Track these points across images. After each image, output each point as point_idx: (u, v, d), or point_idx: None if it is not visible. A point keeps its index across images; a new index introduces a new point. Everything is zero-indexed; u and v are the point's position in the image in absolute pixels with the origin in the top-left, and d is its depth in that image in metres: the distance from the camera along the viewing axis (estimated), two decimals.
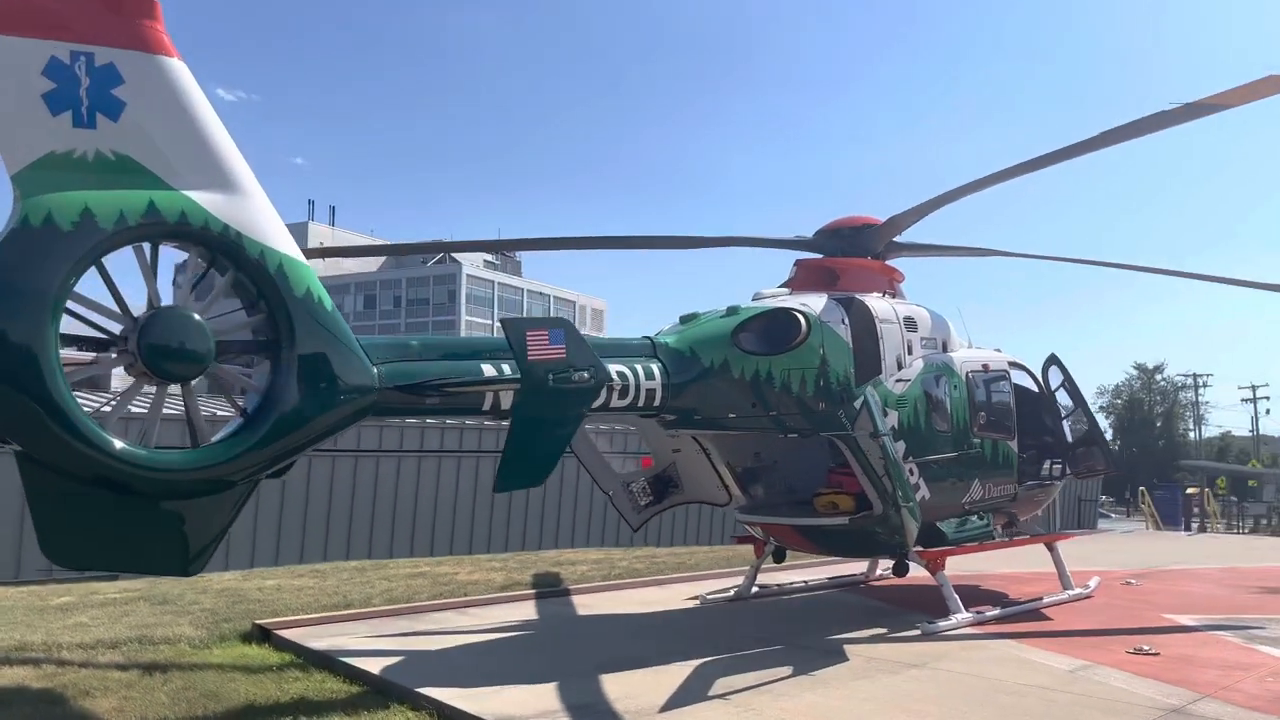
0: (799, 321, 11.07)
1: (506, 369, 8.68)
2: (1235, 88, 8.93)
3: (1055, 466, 14.10)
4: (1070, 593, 13.33)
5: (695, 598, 13.62)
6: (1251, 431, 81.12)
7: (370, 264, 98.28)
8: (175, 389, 7.35)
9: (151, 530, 7.12)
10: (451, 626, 11.74)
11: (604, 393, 9.59)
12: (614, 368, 9.72)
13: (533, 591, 14.14)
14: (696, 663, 9.47)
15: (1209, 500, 34.37)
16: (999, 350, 13.89)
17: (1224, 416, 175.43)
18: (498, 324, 10.03)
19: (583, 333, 9.14)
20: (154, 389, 7.28)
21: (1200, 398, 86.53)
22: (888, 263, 12.97)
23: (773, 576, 14.78)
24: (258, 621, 11.56)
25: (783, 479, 12.99)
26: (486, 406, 8.69)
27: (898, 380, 11.72)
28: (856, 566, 15.44)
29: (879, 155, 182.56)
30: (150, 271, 7.03)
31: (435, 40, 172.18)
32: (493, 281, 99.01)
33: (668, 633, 11.46)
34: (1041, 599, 12.91)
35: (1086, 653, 9.93)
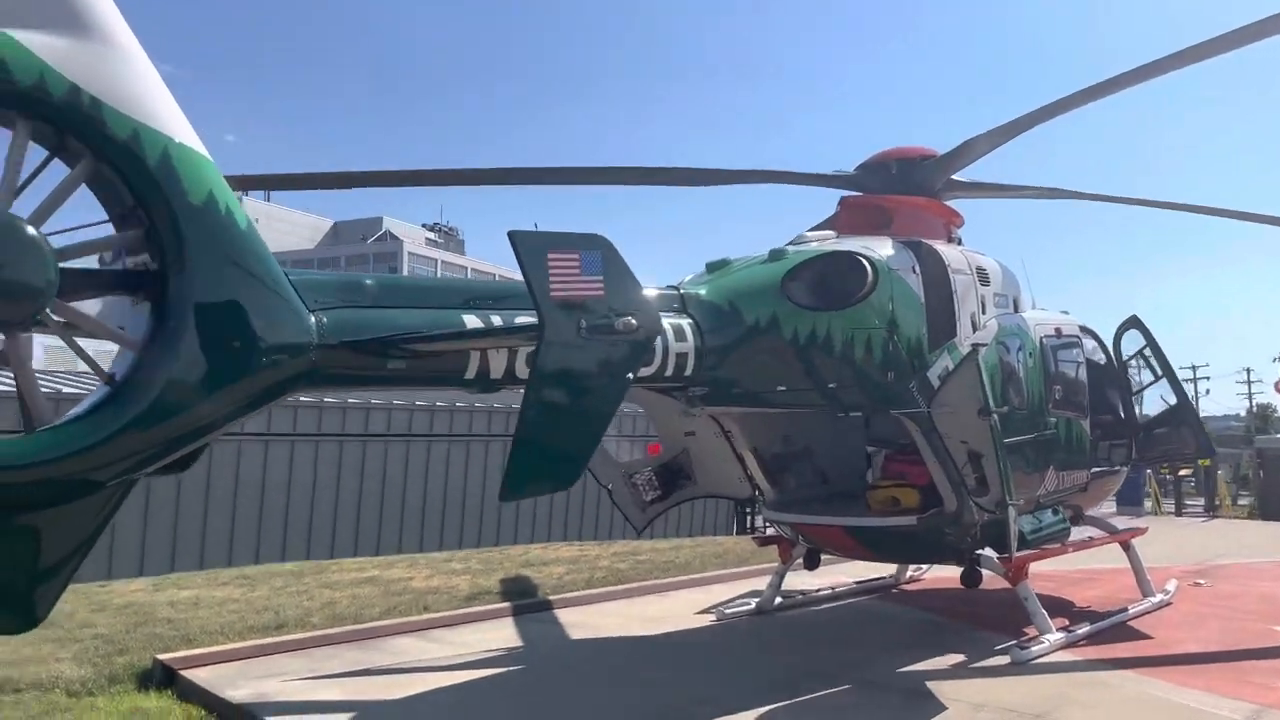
0: (864, 268, 8.71)
1: (497, 320, 6.19)
2: None
3: (1124, 450, 11.98)
4: (1153, 600, 11.26)
5: (709, 610, 11.25)
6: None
7: (306, 239, 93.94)
8: None
9: None
10: (413, 659, 9.23)
11: None
12: None
13: (506, 605, 11.64)
14: (752, 717, 7.11)
15: (1221, 486, 32.96)
16: (1066, 312, 11.71)
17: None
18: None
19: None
20: None
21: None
22: (946, 203, 10.66)
23: (789, 581, 12.42)
24: (160, 656, 8.93)
25: (818, 467, 10.68)
26: (470, 374, 6.15)
27: (973, 345, 9.42)
28: (880, 567, 13.17)
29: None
30: None
31: (370, 13, 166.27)
32: (435, 260, 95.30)
33: (693, 665, 9.08)
34: (1126, 609, 10.80)
35: (1237, 688, 7.81)
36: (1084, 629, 9.79)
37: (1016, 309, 10.67)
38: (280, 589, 12.94)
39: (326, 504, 21.80)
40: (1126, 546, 11.48)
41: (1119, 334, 11.82)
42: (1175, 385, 11.61)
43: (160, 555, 19.45)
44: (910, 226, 9.95)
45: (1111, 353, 11.92)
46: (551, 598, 12.16)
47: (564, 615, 11.35)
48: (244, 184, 9.16)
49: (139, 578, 15.23)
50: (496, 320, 6.19)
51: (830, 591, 12.23)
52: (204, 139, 5.12)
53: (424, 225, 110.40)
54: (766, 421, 9.94)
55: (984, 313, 9.93)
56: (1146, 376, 11.88)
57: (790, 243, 9.33)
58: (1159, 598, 11.37)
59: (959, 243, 10.49)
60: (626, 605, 12.05)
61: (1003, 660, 8.87)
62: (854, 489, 10.40)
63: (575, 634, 10.33)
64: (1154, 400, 11.83)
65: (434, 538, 23.47)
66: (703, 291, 8.34)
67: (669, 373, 7.68)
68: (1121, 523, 12.98)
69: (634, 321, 5.97)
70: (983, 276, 10.07)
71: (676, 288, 8.24)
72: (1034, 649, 8.94)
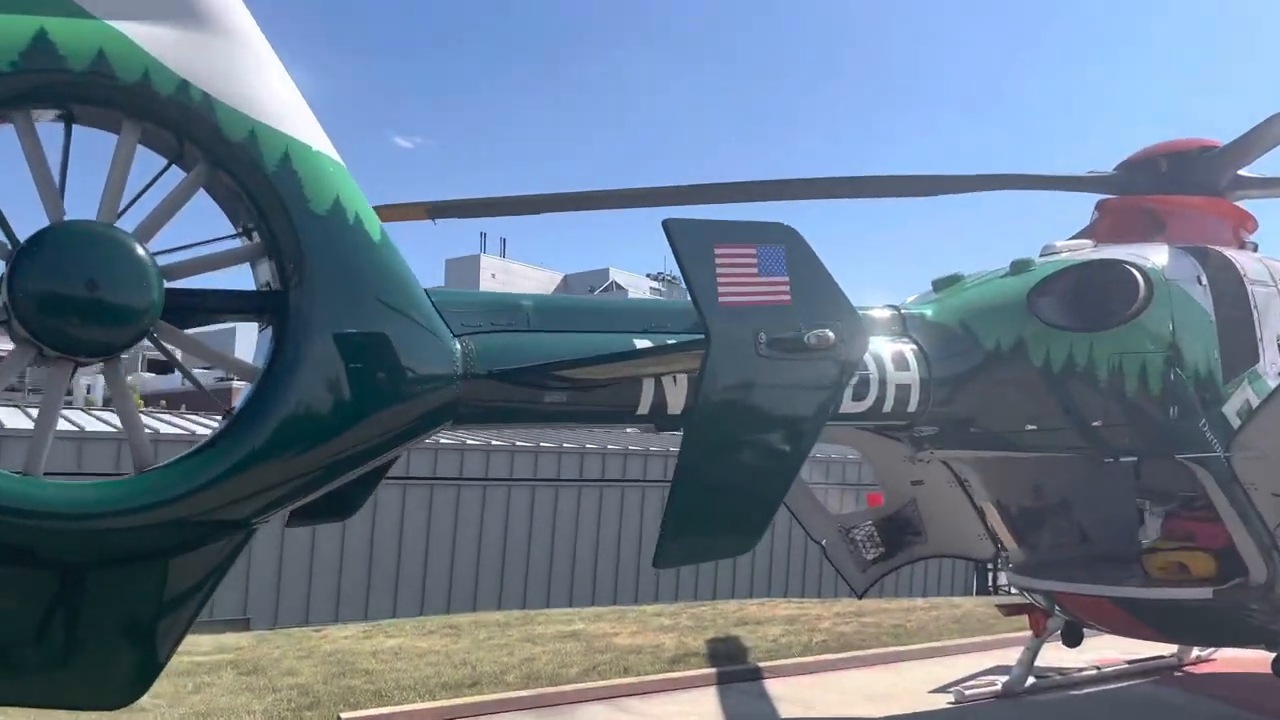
0: (1134, 278, 7.11)
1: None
2: None
3: None
4: None
5: (948, 690, 9.65)
6: None
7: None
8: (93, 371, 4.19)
9: (52, 629, 3.96)
10: None
11: None
12: None
13: (713, 671, 10.52)
14: None
15: None
16: None
17: None
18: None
19: None
20: (47, 369, 4.11)
21: None
22: (1235, 204, 8.76)
23: (1043, 656, 10.54)
24: (344, 716, 8.49)
25: (1077, 523, 8.95)
26: (644, 408, 5.16)
27: None
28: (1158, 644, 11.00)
29: None
30: (41, 159, 3.93)
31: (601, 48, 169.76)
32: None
33: None
34: None
35: None
36: None
37: None
38: (483, 641, 12.47)
39: (541, 550, 21.55)
40: None
41: None
42: None
43: (357, 601, 19.85)
44: (1190, 232, 8.16)
45: None
46: (764, 664, 10.94)
47: (775, 687, 10.10)
48: (434, 211, 8.78)
49: (350, 624, 15.36)
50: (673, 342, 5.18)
51: (1095, 672, 10.28)
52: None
53: (648, 275, 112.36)
54: (1012, 467, 8.39)
55: None
56: None
57: (1043, 252, 7.82)
58: None
59: (1254, 249, 8.55)
60: (848, 677, 10.64)
61: None
62: (1124, 551, 8.59)
63: (785, 711, 9.07)
64: None
65: (649, 588, 22.70)
66: (929, 312, 7.04)
67: (888, 408, 6.42)
68: None
69: (832, 336, 4.72)
70: None
71: (896, 307, 6.97)
72: None
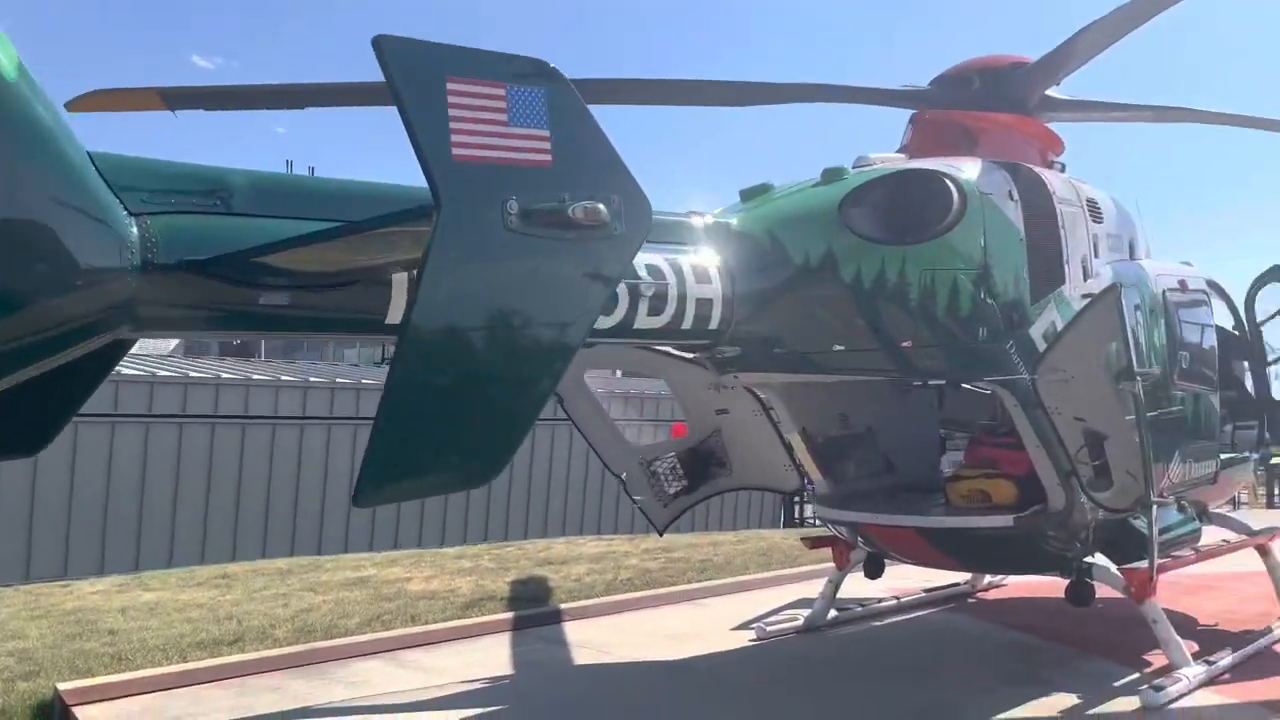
0: (949, 190, 6.66)
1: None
2: None
3: (1253, 431, 9.78)
4: None
5: (749, 627, 9.29)
6: None
7: None
8: None
9: None
10: (370, 693, 7.43)
11: (624, 305, 5.29)
12: (640, 258, 5.38)
13: (509, 616, 9.79)
14: None
15: None
16: (1188, 263, 9.53)
17: None
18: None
19: None
20: None
21: None
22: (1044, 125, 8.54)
23: (846, 588, 10.34)
24: (62, 686, 7.23)
25: (883, 453, 8.69)
26: (394, 317, 4.19)
27: (1085, 297, 7.31)
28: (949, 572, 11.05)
29: None
30: None
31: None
32: None
33: (712, 709, 7.16)
34: (1271, 630, 8.64)
35: None
36: (1225, 658, 7.67)
37: (1132, 255, 8.55)
38: (258, 591, 11.28)
39: (338, 493, 20.23)
40: (1265, 551, 9.27)
41: (1255, 288, 9.59)
42: None
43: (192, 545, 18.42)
44: (1000, 150, 7.84)
45: (1243, 312, 9.71)
46: (564, 606, 10.29)
47: (574, 630, 9.47)
48: (171, 100, 7.41)
49: (120, 574, 13.78)
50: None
51: (895, 602, 10.19)
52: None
53: None
54: (818, 395, 7.97)
55: (1096, 257, 7.83)
56: None
57: (856, 164, 7.28)
58: None
59: (1061, 170, 8.37)
60: (651, 617, 10.15)
61: (1130, 704, 6.82)
62: (929, 480, 8.38)
63: (580, 657, 8.45)
64: None
65: (457, 531, 21.80)
66: (734, 221, 6.38)
67: (687, 325, 5.75)
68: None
69: (604, 210, 3.71)
70: (1094, 211, 7.96)
71: (699, 214, 6.27)
72: (1171, 689, 6.85)
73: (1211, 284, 9.42)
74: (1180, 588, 10.47)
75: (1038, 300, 6.98)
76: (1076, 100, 8.72)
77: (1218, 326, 9.39)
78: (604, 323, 5.33)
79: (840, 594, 9.49)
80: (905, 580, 10.53)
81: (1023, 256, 6.94)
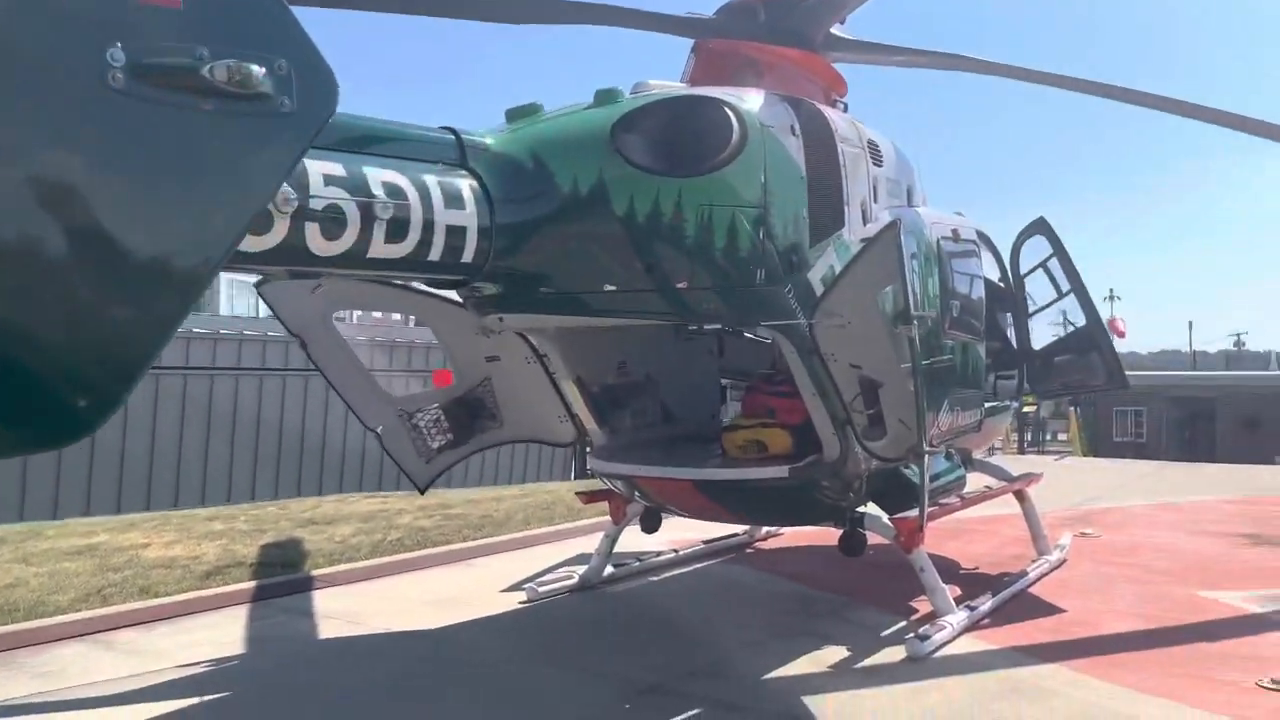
0: (729, 119, 6.18)
1: None
2: None
3: (1014, 380, 10.09)
4: (1050, 559, 9.47)
5: (520, 588, 8.73)
6: None
7: None
8: None
9: None
10: (66, 684, 6.34)
11: (353, 229, 4.51)
12: (372, 174, 4.62)
13: (251, 585, 8.79)
14: None
15: (1073, 423, 32.55)
16: (960, 213, 9.61)
17: None
18: None
19: None
20: None
21: None
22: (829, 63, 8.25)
23: (624, 542, 9.97)
24: None
25: (662, 403, 8.28)
26: None
27: (864, 241, 7.08)
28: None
29: None
30: None
31: None
32: None
33: (470, 681, 6.55)
34: (1026, 574, 8.92)
35: (1198, 690, 5.89)
36: (985, 603, 7.80)
37: (909, 203, 8.46)
38: None
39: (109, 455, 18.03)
40: (1022, 497, 9.61)
41: (1020, 241, 9.82)
42: (1086, 304, 9.69)
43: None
44: (784, 85, 7.48)
45: (1008, 264, 9.94)
46: (319, 572, 9.38)
47: (328, 599, 8.62)
48: None
49: None
50: None
51: (673, 555, 9.92)
52: None
53: None
54: (595, 340, 7.44)
55: (876, 201, 7.64)
56: (1048, 294, 9.94)
57: (633, 90, 6.68)
58: (1055, 556, 9.59)
59: (844, 110, 8.13)
60: (418, 580, 9.42)
61: (897, 653, 6.74)
62: (710, 431, 8.05)
63: (324, 630, 7.62)
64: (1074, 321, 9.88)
65: (244, 488, 19.98)
66: (491, 141, 5.66)
67: (435, 256, 5.01)
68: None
69: (260, 73, 2.74)
70: (875, 154, 7.76)
71: (454, 131, 5.50)
72: (935, 637, 6.82)
73: (982, 235, 9.54)
74: (944, 532, 10.76)
75: (817, 243, 6.67)
76: (861, 41, 8.48)
77: (985, 278, 9.55)
78: (331, 249, 4.53)
79: (619, 548, 9.11)
80: (686, 532, 10.30)
81: (803, 195, 6.60)
